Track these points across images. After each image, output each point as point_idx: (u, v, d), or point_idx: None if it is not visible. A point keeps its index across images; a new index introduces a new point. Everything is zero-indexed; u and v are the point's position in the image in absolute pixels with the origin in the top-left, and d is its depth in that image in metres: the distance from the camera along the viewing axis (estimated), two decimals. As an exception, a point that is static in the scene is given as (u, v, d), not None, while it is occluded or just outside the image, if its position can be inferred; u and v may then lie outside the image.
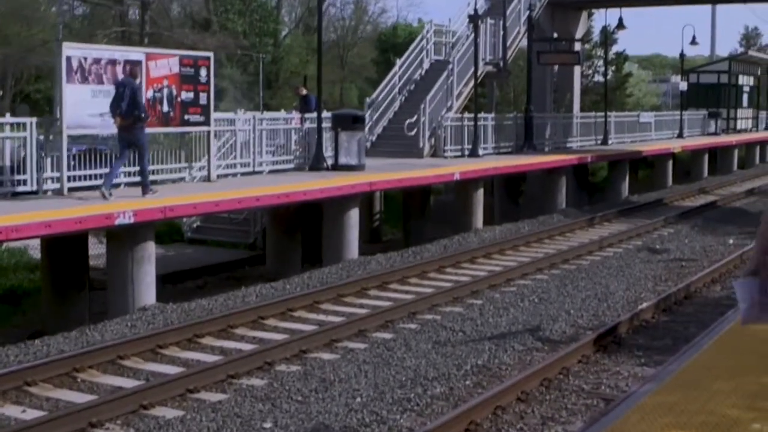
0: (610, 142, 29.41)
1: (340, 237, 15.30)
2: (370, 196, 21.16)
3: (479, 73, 22.96)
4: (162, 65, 14.26)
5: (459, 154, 21.95)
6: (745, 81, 42.41)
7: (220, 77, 50.59)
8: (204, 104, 14.95)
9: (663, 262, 16.07)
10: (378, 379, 9.35)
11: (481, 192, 19.13)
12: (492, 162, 20.59)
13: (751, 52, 47.64)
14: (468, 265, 15.57)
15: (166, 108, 14.36)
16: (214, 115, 15.46)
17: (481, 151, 22.37)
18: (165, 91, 14.33)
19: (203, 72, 14.93)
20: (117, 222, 11.18)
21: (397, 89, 22.69)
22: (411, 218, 19.45)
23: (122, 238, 11.70)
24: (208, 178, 15.19)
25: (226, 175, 16.08)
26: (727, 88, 40.28)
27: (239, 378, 9.37)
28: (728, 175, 34.72)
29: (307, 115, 17.85)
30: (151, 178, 14.85)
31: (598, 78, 36.89)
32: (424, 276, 14.58)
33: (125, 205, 11.65)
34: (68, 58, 12.59)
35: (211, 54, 15.17)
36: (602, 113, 29.43)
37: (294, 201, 14.08)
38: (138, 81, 13.24)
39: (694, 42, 35.42)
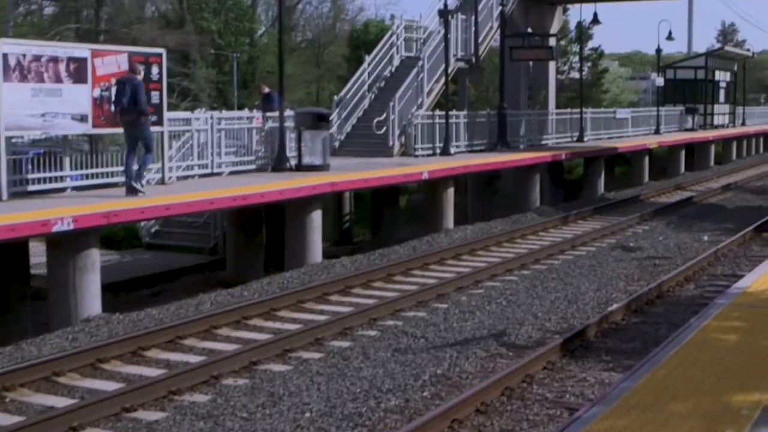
0: (586, 138, 28.96)
1: (303, 240, 14.71)
2: (340, 196, 20.61)
3: (450, 69, 22.41)
4: (109, 62, 13.62)
5: (430, 152, 21.41)
6: (722, 77, 42.09)
7: (195, 77, 50.21)
8: (156, 103, 14.31)
9: (636, 261, 15.58)
10: (331, 392, 8.78)
11: (451, 191, 18.58)
12: (463, 160, 20.05)
13: (727, 48, 47.32)
14: (436, 267, 15.01)
15: (114, 107, 13.70)
16: (168, 114, 14.83)
17: (453, 150, 21.83)
18: (113, 89, 13.68)
19: (155, 69, 14.30)
20: (54, 229, 10.54)
21: (366, 87, 22.11)
22: (381, 219, 18.87)
23: (63, 246, 11.06)
24: (162, 181, 14.55)
25: (185, 177, 15.46)
26: (704, 83, 39.94)
27: (182, 394, 8.77)
28: (705, 171, 34.38)
29: (269, 114, 17.24)
30: (106, 180, 14.27)
31: (574, 74, 36.44)
32: (389, 279, 14.01)
33: (64, 211, 11.01)
34: (5, 56, 11.93)
35: (162, 51, 14.52)
36: (578, 110, 28.97)
37: (250, 203, 13.47)
38: (139, 77, 13.36)
39: (670, 37, 35.06)
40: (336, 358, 9.87)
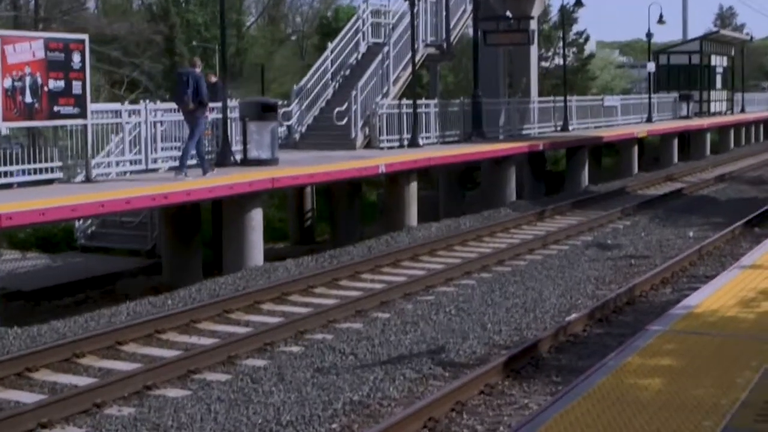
0: (571, 128, 27.57)
1: (241, 241, 13.42)
2: (301, 192, 19.32)
3: (419, 56, 21.10)
4: (22, 50, 12.33)
5: (397, 144, 20.07)
6: (718, 62, 40.54)
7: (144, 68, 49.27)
8: (78, 94, 13.01)
9: (611, 260, 14.26)
10: (228, 423, 7.52)
11: (414, 186, 17.23)
12: (429, 152, 18.71)
13: (723, 32, 45.74)
14: (389, 270, 13.71)
15: (29, 99, 12.43)
16: (94, 106, 13.55)
17: (422, 141, 20.49)
18: (27, 79, 12.40)
19: (76, 57, 12.99)
20: (-70, 234, 9.25)
21: (329, 75, 20.77)
22: (340, 216, 17.56)
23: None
24: (87, 178, 13.25)
25: (122, 173, 14.20)
26: (699, 69, 38.47)
27: (53, 426, 7.52)
28: (700, 161, 32.98)
29: (212, 105, 15.89)
30: (28, 178, 13.11)
31: (559, 60, 34.90)
32: (333, 284, 12.71)
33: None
34: None
35: (85, 36, 13.19)
36: (562, 97, 27.58)
37: (173, 203, 12.17)
38: (198, 70, 14.28)
39: (661, 20, 33.64)
40: (245, 380, 8.58)
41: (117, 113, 14.24)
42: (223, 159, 15.20)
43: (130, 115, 14.17)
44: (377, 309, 11.26)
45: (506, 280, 12.79)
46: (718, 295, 7.38)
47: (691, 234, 16.72)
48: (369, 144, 19.61)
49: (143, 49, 27.26)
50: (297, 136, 19.81)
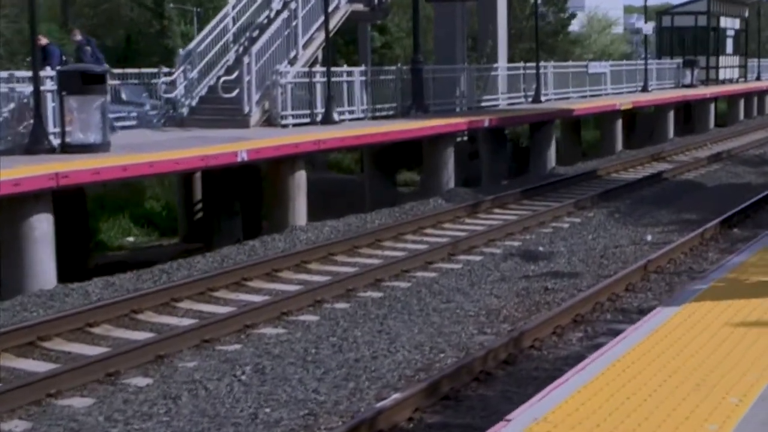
0: (545, 98, 23.85)
1: (21, 258, 10.12)
2: (189, 179, 15.96)
3: (341, 13, 17.55)
4: None
5: (307, 120, 16.58)
6: (729, 23, 36.33)
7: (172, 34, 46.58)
8: None
9: (526, 280, 10.77)
10: None
11: (300, 175, 13.68)
12: (330, 131, 15.18)
13: (735, -11, 41.32)
14: (223, 294, 10.30)
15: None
16: None
17: (343, 116, 17.03)
18: None
19: None
20: None
21: (230, 36, 17.28)
22: (215, 214, 14.16)
23: None
24: None
25: None
26: (707, 32, 34.35)
27: None
28: (701, 135, 29.12)
29: (44, 74, 12.53)
30: None
31: (541, 22, 30.74)
32: (126, 320, 9.33)
33: None
34: None
35: None
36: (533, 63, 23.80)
37: None
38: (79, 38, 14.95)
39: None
40: None
41: None
42: (35, 144, 11.81)
43: None
44: (141, 369, 7.83)
45: (363, 315, 9.35)
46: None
47: (649, 238, 13.17)
48: (268, 120, 16.14)
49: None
50: (185, 110, 16.39)
